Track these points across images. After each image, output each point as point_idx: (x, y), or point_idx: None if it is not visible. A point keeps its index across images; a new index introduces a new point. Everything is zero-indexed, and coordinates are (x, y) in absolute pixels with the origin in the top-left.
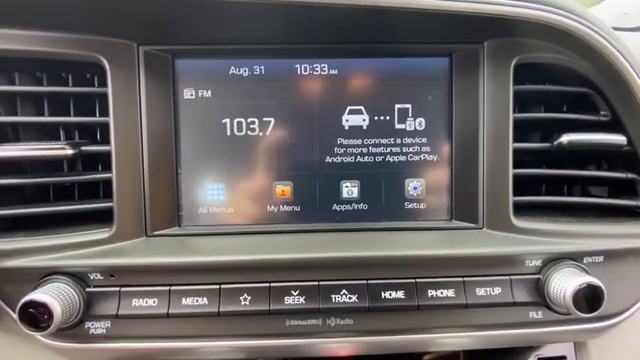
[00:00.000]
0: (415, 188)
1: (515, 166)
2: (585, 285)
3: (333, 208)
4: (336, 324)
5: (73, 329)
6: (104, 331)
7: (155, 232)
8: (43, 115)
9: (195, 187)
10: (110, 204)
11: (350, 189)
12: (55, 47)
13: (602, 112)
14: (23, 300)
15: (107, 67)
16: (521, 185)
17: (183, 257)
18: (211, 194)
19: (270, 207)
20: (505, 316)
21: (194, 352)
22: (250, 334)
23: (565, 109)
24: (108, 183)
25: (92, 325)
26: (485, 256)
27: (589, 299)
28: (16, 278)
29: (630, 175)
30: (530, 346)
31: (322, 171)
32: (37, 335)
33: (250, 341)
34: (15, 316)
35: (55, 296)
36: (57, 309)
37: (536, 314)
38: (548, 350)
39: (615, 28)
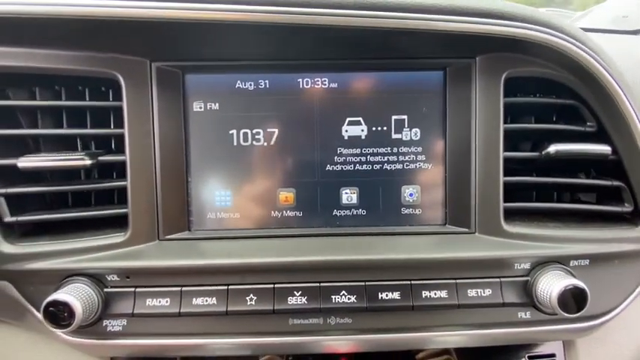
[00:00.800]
0: (411, 195)
1: (507, 174)
2: (570, 287)
3: (334, 213)
4: (336, 323)
5: (92, 327)
6: (120, 328)
7: (167, 236)
8: (61, 126)
9: (204, 194)
10: (125, 210)
11: (349, 195)
12: (74, 65)
13: (588, 123)
14: (47, 299)
15: (122, 82)
16: (513, 192)
17: (193, 260)
18: (219, 200)
19: (274, 212)
20: (495, 315)
21: (203, 348)
22: (256, 332)
23: (555, 119)
24: (123, 190)
25: (110, 322)
26: (476, 260)
27: (574, 300)
28: (39, 279)
29: (616, 183)
30: (520, 344)
31: (323, 178)
32: (59, 332)
33: (256, 339)
34: (39, 314)
35: (76, 296)
36: (78, 308)
37: (524, 314)
38: (538, 349)
39: (615, 31)
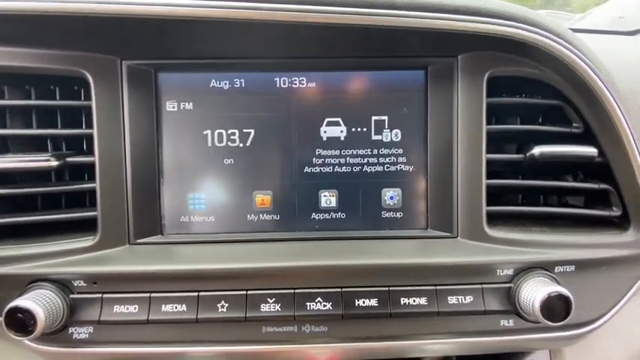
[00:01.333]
0: (392, 198)
1: (492, 177)
2: (554, 294)
3: (312, 216)
4: (311, 331)
5: (58, 334)
6: (87, 336)
7: (138, 240)
8: (31, 127)
9: (177, 197)
10: (94, 213)
11: (328, 198)
12: (40, 63)
13: (574, 124)
14: (8, 306)
15: (91, 81)
16: (499, 195)
17: (163, 265)
18: (192, 203)
19: (250, 216)
20: (477, 323)
21: (173, 357)
22: (227, 340)
23: (541, 121)
24: (93, 193)
25: (75, 330)
26: (457, 265)
27: (558, 308)
28: (3, 284)
29: (602, 186)
30: (508, 352)
31: (301, 181)
32: (24, 340)
33: (228, 347)
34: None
35: (39, 303)
36: (40, 315)
37: (507, 322)
38: (525, 358)
39: (611, 32)
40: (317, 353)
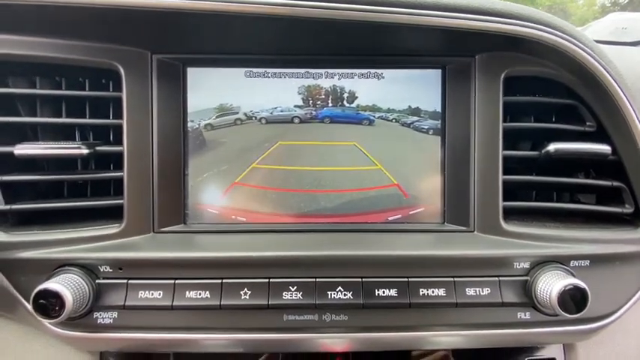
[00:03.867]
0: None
1: (507, 173)
2: (570, 286)
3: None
4: (332, 319)
5: (82, 319)
6: (111, 321)
7: (162, 229)
8: (59, 116)
9: (200, 188)
10: (121, 201)
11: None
12: (75, 54)
13: (587, 123)
14: (37, 288)
15: (122, 73)
16: (513, 191)
17: (187, 252)
18: (215, 194)
19: None
20: (494, 315)
21: (196, 343)
22: (249, 328)
23: (555, 119)
24: (118, 181)
25: (100, 314)
26: (475, 258)
27: (574, 300)
28: (31, 269)
29: (616, 184)
30: (520, 348)
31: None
32: (48, 324)
33: (249, 334)
34: (29, 305)
35: (67, 286)
36: (68, 298)
37: (524, 314)
38: (538, 353)
39: (614, 43)
40: (335, 343)
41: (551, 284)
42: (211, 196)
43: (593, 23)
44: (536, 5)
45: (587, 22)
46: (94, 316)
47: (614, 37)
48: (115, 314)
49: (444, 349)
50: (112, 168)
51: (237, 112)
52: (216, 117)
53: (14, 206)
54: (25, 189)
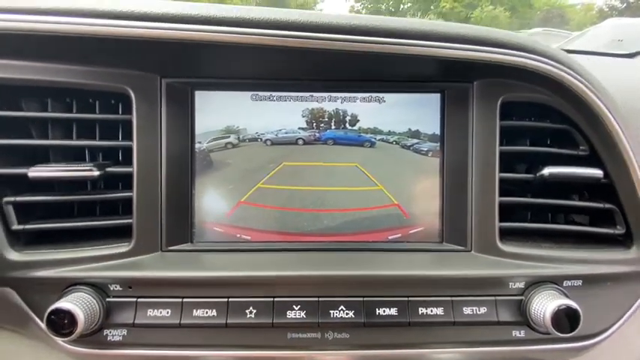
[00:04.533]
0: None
1: (503, 195)
2: (564, 307)
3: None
4: (334, 337)
5: (93, 336)
6: (121, 338)
7: (169, 247)
8: (69, 138)
9: (207, 208)
10: (130, 220)
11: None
12: (87, 79)
13: (581, 147)
14: (51, 308)
15: (133, 96)
16: (509, 212)
17: (194, 272)
18: (221, 213)
19: None
20: (490, 334)
21: (201, 358)
22: (254, 345)
23: (549, 143)
24: (127, 201)
25: (110, 332)
26: (472, 278)
27: (567, 320)
28: (43, 287)
29: (607, 206)
30: None
31: (326, 194)
32: (60, 341)
33: (254, 352)
34: (41, 323)
35: (79, 305)
36: (80, 317)
37: (518, 333)
38: None
39: (611, 54)
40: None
41: (545, 304)
42: (217, 215)
43: (591, 28)
44: (534, 10)
45: (585, 27)
46: (104, 333)
47: (611, 49)
48: (125, 332)
49: None
50: (120, 188)
51: (229, 137)
52: (209, 141)
53: (27, 226)
54: (35, 209)
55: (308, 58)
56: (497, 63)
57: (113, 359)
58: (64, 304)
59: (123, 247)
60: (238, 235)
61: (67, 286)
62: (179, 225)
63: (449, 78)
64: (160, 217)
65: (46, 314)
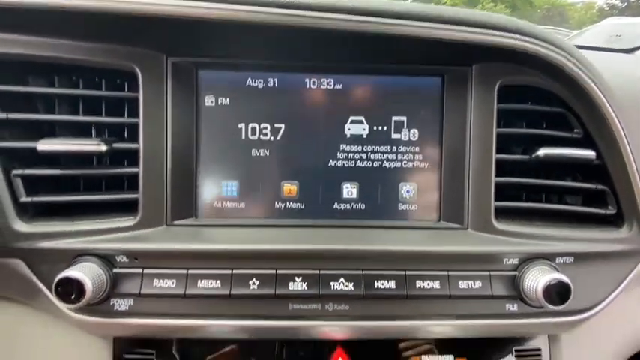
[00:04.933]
0: (408, 192)
1: (500, 175)
2: (555, 281)
3: (334, 206)
4: (334, 309)
5: (100, 305)
6: (127, 307)
7: (174, 222)
8: (76, 114)
9: (211, 184)
10: (136, 195)
11: (350, 190)
12: (94, 56)
13: (575, 130)
14: (59, 276)
15: (139, 74)
16: (504, 192)
17: (199, 244)
18: (225, 190)
19: (278, 204)
20: (484, 307)
21: (205, 329)
22: (257, 315)
23: (545, 125)
24: (133, 177)
25: (117, 301)
26: (468, 253)
27: (558, 293)
28: (51, 258)
29: (600, 187)
30: (508, 338)
31: (326, 173)
32: (68, 310)
33: (257, 322)
34: (49, 292)
35: (87, 274)
36: (88, 285)
37: (512, 306)
38: (524, 344)
39: (609, 49)
40: (335, 331)
41: (537, 278)
42: (223, 191)
43: (591, 27)
44: (534, 8)
45: (584, 26)
46: (111, 302)
47: (609, 44)
48: (131, 301)
49: (430, 340)
50: (126, 164)
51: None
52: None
53: (35, 198)
54: (42, 183)
55: (311, 40)
56: (497, 46)
57: (119, 327)
58: (72, 272)
59: (129, 221)
60: (241, 211)
61: (75, 256)
62: (184, 200)
63: (448, 62)
64: (165, 193)
65: (55, 282)
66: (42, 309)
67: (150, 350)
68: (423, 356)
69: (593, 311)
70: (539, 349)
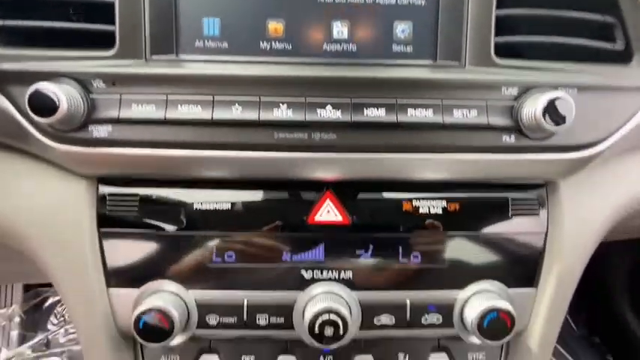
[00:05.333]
0: (403, 31)
1: (500, 6)
2: (555, 98)
3: (324, 47)
4: (321, 138)
5: (78, 132)
6: (106, 134)
7: (153, 57)
8: None
9: (192, 20)
10: (112, 27)
11: (340, 29)
12: None
13: None
14: (32, 88)
15: None
16: (507, 30)
17: (179, 70)
18: (207, 27)
19: (263, 43)
20: (480, 139)
21: (190, 164)
22: (241, 144)
23: None
24: (109, 6)
25: (95, 127)
26: (463, 81)
27: (558, 111)
28: (23, 79)
29: (608, 19)
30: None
31: (314, 10)
32: (47, 139)
33: (242, 153)
34: (25, 121)
35: (61, 90)
36: (62, 97)
37: (509, 138)
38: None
39: None
40: (325, 168)
41: (536, 102)
42: (204, 29)
43: None
44: None
45: None
46: (89, 129)
47: None
48: (110, 127)
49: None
50: None
51: None
52: None
53: (7, 22)
54: (14, 12)
55: None
56: None
57: (99, 159)
58: (44, 85)
59: (106, 53)
60: (224, 52)
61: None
62: (163, 37)
63: None
64: (143, 26)
65: (27, 95)
66: (22, 146)
67: (134, 191)
68: None
69: (596, 149)
70: (536, 200)
